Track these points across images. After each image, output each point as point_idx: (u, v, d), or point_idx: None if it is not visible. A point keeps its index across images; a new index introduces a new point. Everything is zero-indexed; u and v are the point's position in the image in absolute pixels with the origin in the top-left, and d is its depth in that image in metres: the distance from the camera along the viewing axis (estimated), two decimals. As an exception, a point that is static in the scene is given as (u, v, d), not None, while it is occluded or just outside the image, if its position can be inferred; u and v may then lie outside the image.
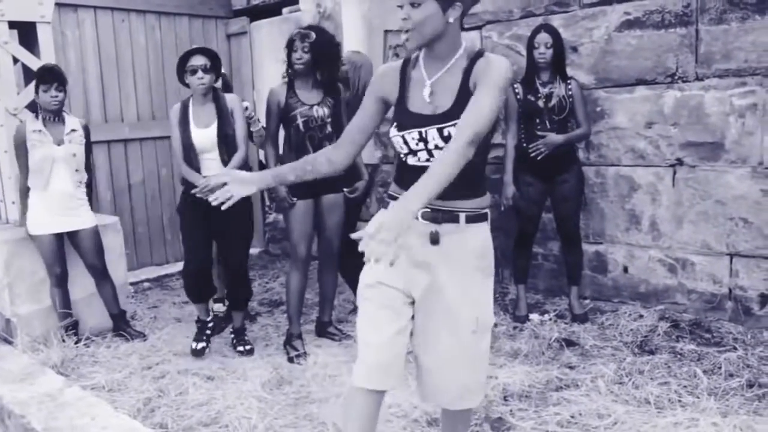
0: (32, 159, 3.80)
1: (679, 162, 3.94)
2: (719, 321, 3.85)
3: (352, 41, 5.09)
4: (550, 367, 3.37)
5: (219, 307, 4.48)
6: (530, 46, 3.86)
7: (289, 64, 3.62)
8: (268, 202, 6.33)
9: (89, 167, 4.05)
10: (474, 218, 1.95)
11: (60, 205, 3.86)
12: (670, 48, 3.88)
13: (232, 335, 3.95)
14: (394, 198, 1.92)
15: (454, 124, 1.85)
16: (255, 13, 6.19)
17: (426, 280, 1.96)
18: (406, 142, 1.93)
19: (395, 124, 1.96)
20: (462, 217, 1.93)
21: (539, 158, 3.86)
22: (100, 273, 4.06)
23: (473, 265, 1.96)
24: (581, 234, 4.12)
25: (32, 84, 3.91)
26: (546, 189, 3.99)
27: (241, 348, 3.84)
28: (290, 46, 3.60)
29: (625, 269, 4.23)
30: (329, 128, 3.63)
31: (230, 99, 3.73)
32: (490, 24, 4.60)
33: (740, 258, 3.79)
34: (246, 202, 3.69)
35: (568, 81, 3.90)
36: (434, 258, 1.94)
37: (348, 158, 2.08)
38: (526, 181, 3.98)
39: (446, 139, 1.87)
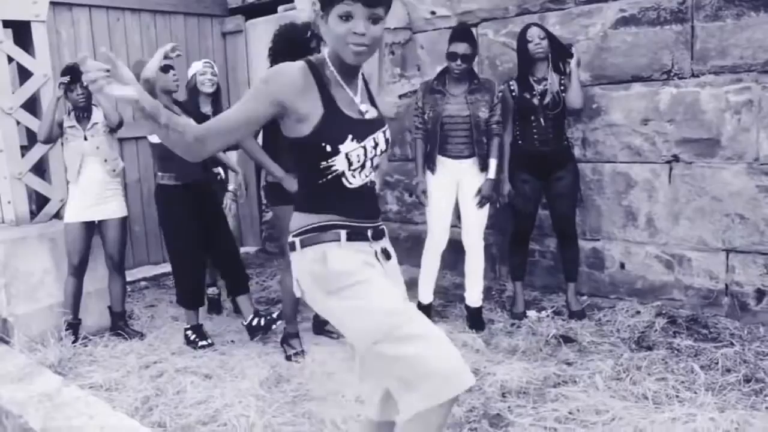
0: (67, 153, 3.98)
1: (675, 158, 3.95)
2: (716, 317, 3.86)
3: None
4: (548, 364, 3.38)
5: (213, 291, 4.67)
6: (523, 42, 3.84)
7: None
8: (264, 201, 6.32)
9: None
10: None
11: (92, 196, 3.96)
12: (665, 45, 3.89)
13: (253, 317, 3.95)
14: (322, 228, 1.82)
15: (388, 128, 1.90)
16: (250, 12, 6.18)
17: None
18: (365, 153, 1.82)
19: (351, 136, 1.78)
20: (386, 230, 1.97)
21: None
22: (116, 266, 4.13)
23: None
24: (578, 231, 4.13)
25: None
26: (542, 186, 4.00)
27: (260, 319, 3.91)
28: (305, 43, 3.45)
29: (622, 266, 4.24)
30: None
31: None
32: (486, 22, 4.61)
33: (736, 254, 3.80)
34: (220, 197, 4.03)
35: (562, 77, 3.90)
36: (386, 269, 1.91)
37: (213, 153, 1.83)
38: (522, 178, 3.98)
39: (387, 142, 1.89)
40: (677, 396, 2.95)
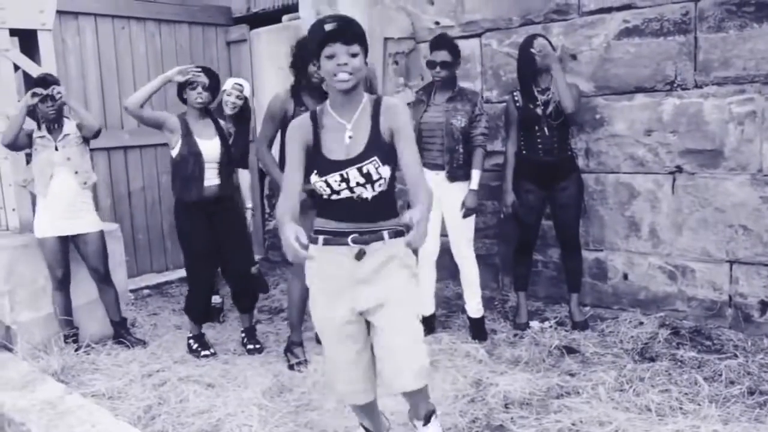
0: (36, 164, 3.87)
1: (679, 169, 3.95)
2: (719, 328, 3.85)
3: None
4: (551, 375, 3.37)
5: (216, 300, 4.66)
6: (528, 53, 3.84)
7: (304, 74, 3.56)
8: (268, 210, 6.33)
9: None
10: (395, 234, 2.27)
11: (63, 209, 3.88)
12: (669, 56, 3.90)
13: (243, 335, 4.04)
14: (323, 233, 2.27)
15: (371, 162, 2.20)
16: (255, 21, 6.20)
17: (368, 288, 2.26)
18: (329, 185, 2.22)
19: (315, 171, 2.23)
20: (385, 234, 2.25)
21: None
22: (103, 278, 4.07)
23: (397, 264, 2.29)
24: (581, 241, 4.13)
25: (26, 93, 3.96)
26: (545, 196, 4.00)
27: (250, 346, 3.95)
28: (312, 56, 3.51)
29: (625, 276, 4.23)
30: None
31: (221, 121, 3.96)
32: (490, 32, 4.62)
33: (740, 265, 3.79)
34: (240, 216, 3.92)
35: None
36: (368, 271, 2.26)
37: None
38: (526, 188, 3.98)
39: (366, 176, 2.20)
40: (681, 408, 2.94)
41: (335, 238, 2.25)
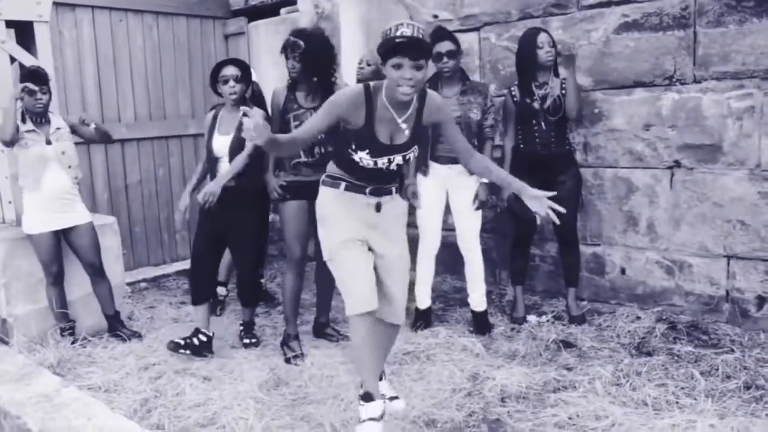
0: (25, 159, 3.81)
1: (677, 164, 3.94)
2: (716, 323, 3.85)
3: (350, 43, 5.09)
4: (548, 369, 3.37)
5: (221, 290, 4.64)
6: (532, 47, 3.82)
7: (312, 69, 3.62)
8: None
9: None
10: (397, 190, 2.80)
11: (55, 203, 3.86)
12: (668, 50, 3.89)
13: (241, 328, 4.03)
14: (343, 180, 2.69)
15: (412, 150, 2.65)
16: (253, 14, 6.18)
17: (376, 233, 2.72)
18: (375, 162, 2.60)
19: (367, 150, 2.58)
20: (393, 189, 2.77)
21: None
22: (96, 271, 4.05)
23: (401, 219, 2.84)
24: (579, 235, 4.13)
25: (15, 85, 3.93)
26: (543, 190, 3.98)
27: (246, 340, 3.95)
28: (284, 53, 3.64)
29: (623, 271, 4.24)
30: (321, 134, 3.60)
31: (256, 113, 3.74)
32: (488, 26, 4.61)
33: (737, 260, 3.79)
34: (252, 213, 3.78)
35: (563, 79, 3.89)
36: (380, 219, 2.73)
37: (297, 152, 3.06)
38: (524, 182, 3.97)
39: (406, 160, 2.67)
40: (677, 402, 2.95)
41: (355, 187, 2.68)
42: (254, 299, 4.06)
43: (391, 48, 2.38)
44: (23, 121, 3.82)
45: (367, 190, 2.68)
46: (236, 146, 3.70)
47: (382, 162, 2.60)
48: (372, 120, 2.56)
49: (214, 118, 3.83)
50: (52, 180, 3.84)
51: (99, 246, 4.06)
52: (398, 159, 2.63)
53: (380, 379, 2.90)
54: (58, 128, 3.91)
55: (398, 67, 2.40)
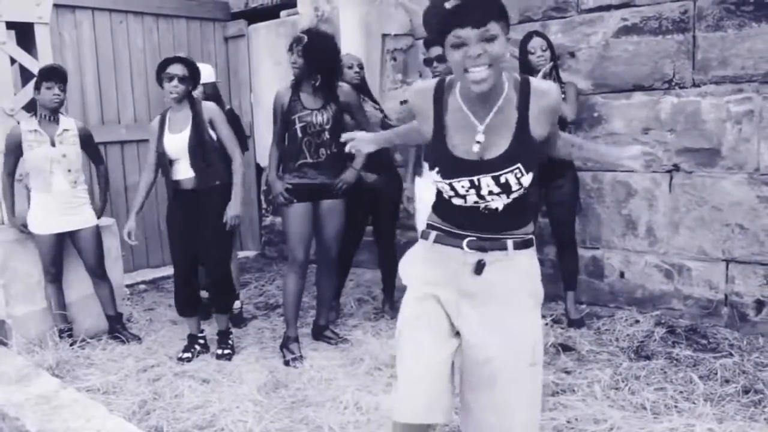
0: (30, 159, 3.81)
1: (676, 168, 3.95)
2: (715, 327, 3.86)
3: (350, 45, 5.10)
4: (547, 372, 3.36)
5: (205, 295, 4.48)
6: (524, 53, 3.85)
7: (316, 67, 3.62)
8: (264, 205, 6.32)
9: (100, 160, 4.20)
10: (521, 245, 1.84)
11: (60, 205, 3.86)
12: (667, 54, 3.89)
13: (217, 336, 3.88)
14: (435, 228, 1.91)
15: (512, 171, 1.71)
16: (253, 16, 6.19)
17: (471, 308, 1.84)
18: (453, 188, 1.79)
19: (437, 169, 1.80)
20: (510, 243, 1.82)
21: None
22: (99, 273, 4.05)
23: (525, 291, 1.85)
24: (577, 239, 4.13)
25: (32, 83, 3.93)
26: (541, 194, 4.00)
27: (219, 351, 3.76)
28: (290, 51, 3.65)
29: (622, 274, 4.24)
30: (327, 135, 3.60)
31: (208, 108, 3.68)
32: (488, 29, 4.61)
33: (736, 264, 3.80)
34: (219, 210, 3.63)
35: (563, 85, 3.90)
36: (483, 287, 1.83)
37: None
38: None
39: (503, 186, 1.73)
40: (676, 406, 2.95)
41: (447, 238, 1.87)
42: (228, 305, 3.89)
43: (443, 22, 1.64)
44: (31, 117, 3.85)
45: (465, 243, 1.83)
46: (195, 144, 3.56)
47: (461, 186, 1.77)
48: (442, 125, 1.81)
49: (162, 120, 3.68)
50: (56, 182, 3.85)
51: (102, 249, 4.07)
52: (489, 183, 1.74)
53: None
54: (66, 130, 3.90)
55: (459, 46, 1.64)
